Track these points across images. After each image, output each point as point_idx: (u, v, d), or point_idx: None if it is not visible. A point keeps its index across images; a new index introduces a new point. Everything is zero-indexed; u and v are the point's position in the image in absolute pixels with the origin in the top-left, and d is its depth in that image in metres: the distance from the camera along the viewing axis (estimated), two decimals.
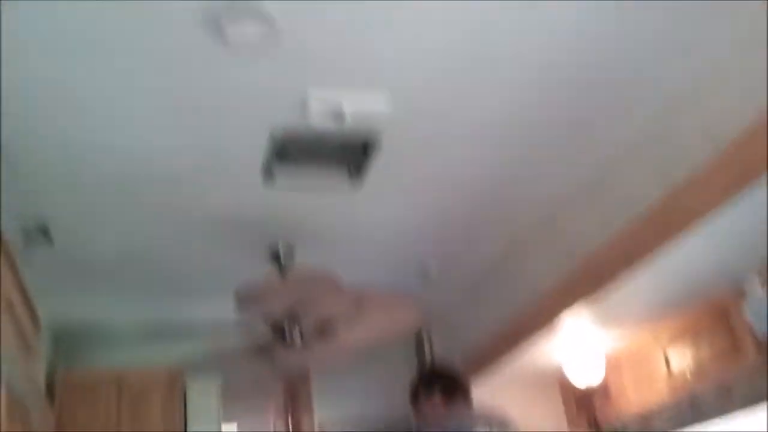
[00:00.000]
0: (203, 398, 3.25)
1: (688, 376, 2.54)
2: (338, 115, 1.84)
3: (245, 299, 2.36)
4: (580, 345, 2.86)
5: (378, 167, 2.18)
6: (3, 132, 1.76)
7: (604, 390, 2.97)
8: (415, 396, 2.03)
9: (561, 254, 2.52)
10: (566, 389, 3.22)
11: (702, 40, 1.72)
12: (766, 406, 2.18)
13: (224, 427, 3.41)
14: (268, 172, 2.18)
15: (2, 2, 1.36)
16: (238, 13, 1.45)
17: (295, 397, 4.08)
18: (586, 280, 2.35)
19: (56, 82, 1.67)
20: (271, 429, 4.54)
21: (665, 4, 1.58)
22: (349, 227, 2.64)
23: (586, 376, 2.96)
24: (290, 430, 4.18)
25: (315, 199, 2.40)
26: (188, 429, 3.17)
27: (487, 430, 1.86)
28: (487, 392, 2.61)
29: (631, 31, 1.68)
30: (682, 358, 2.58)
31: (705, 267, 2.21)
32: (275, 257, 2.66)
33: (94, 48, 1.56)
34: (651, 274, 2.16)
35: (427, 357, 3.68)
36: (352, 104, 1.81)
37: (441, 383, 2.01)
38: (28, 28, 1.47)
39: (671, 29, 1.69)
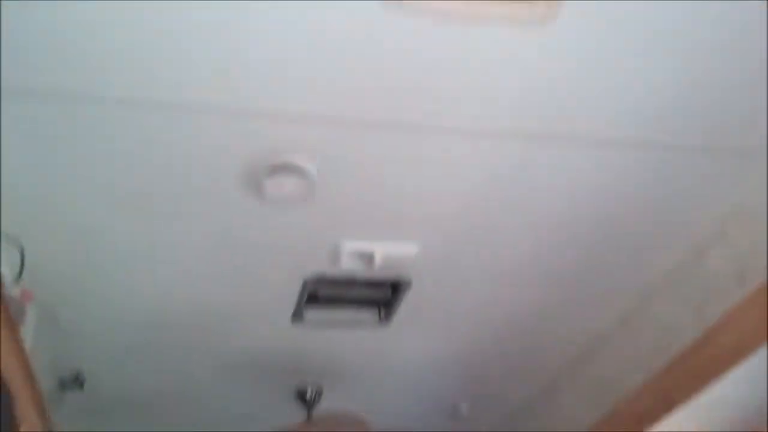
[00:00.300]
0: None
1: None
2: (369, 261, 1.89)
3: None
4: None
5: (407, 306, 2.20)
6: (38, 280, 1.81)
7: None
8: None
9: (596, 395, 2.45)
10: None
11: (732, 185, 1.77)
12: None
13: None
14: (298, 315, 2.21)
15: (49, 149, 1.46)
16: (278, 171, 1.52)
17: None
18: (624, 424, 2.28)
19: (94, 232, 1.74)
20: None
21: (693, 152, 1.64)
22: (378, 366, 2.62)
23: None
24: None
25: (344, 340, 2.41)
26: None
27: None
28: None
29: (659, 179, 1.73)
30: None
31: (748, 404, 2.13)
32: (303, 398, 2.63)
33: (133, 200, 1.64)
34: (692, 417, 2.08)
35: None
36: (383, 251, 1.86)
37: None
38: (73, 180, 1.55)
39: (700, 175, 1.73)
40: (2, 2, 1.07)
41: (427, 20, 1.19)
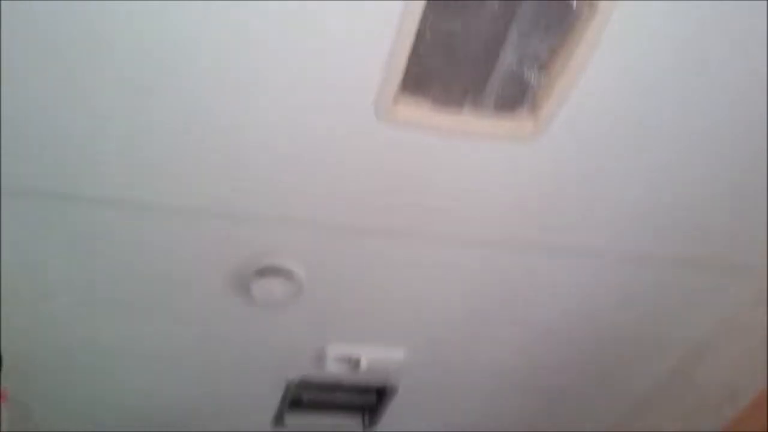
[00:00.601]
0: None
1: None
2: (355, 366, 1.85)
3: None
4: None
5: (393, 413, 2.14)
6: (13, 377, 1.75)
7: None
8: None
9: None
10: None
11: (722, 296, 1.77)
12: None
13: None
14: (279, 419, 2.14)
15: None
16: (266, 273, 1.51)
17: None
18: None
19: (74, 328, 1.70)
20: None
21: (686, 266, 1.65)
22: None
23: None
24: None
25: None
26: None
27: None
28: None
29: (653, 290, 1.73)
30: None
31: None
32: None
33: (115, 298, 1.61)
34: None
35: None
36: (370, 356, 1.82)
37: None
38: (54, 276, 1.53)
39: (693, 288, 1.73)
40: None
41: (418, 133, 1.22)
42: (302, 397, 2.07)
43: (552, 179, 1.35)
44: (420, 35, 1.06)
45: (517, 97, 1.19)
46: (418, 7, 1.00)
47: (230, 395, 2.01)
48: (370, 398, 2.13)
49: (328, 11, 1.00)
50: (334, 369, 1.88)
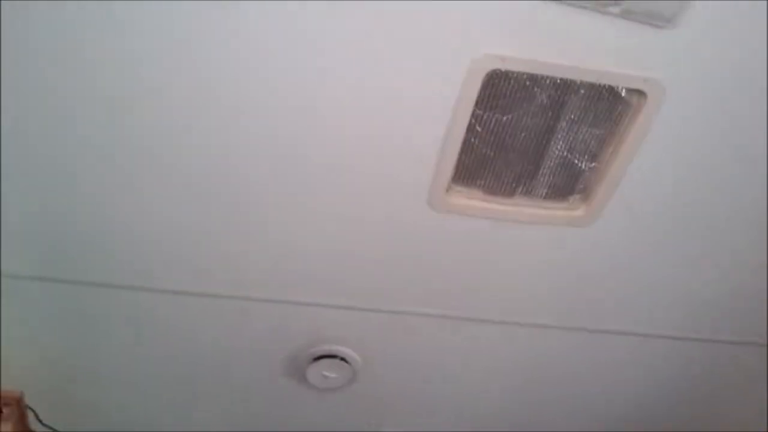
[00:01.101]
0: None
1: None
2: None
3: None
4: None
5: None
6: None
7: None
8: None
9: None
10: None
11: None
12: None
13: None
14: None
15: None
16: (322, 358, 1.53)
17: None
18: None
19: (137, 413, 1.74)
20: None
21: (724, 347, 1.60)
22: None
23: None
24: None
25: None
26: None
27: None
28: None
29: (693, 370, 1.68)
30: None
31: None
32: None
33: (175, 382, 1.64)
34: None
35: None
36: None
37: None
38: (117, 361, 1.58)
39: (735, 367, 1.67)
40: None
41: (471, 220, 1.24)
42: None
43: (604, 264, 1.34)
44: (471, 128, 1.10)
45: (568, 184, 1.21)
46: (468, 106, 1.04)
47: None
48: None
49: (385, 114, 1.05)
50: None
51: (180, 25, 0.94)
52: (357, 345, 1.52)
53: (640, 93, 1.05)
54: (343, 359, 1.54)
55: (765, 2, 0.93)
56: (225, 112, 1.05)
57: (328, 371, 1.56)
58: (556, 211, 1.24)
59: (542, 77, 1.04)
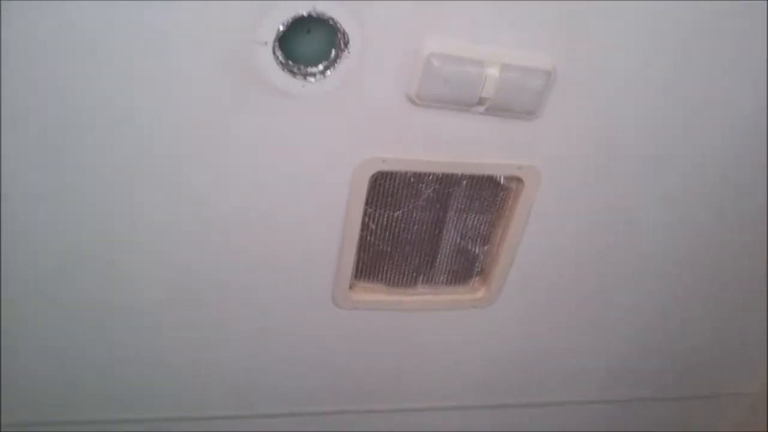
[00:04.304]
0: None
1: None
2: None
3: None
4: None
5: None
6: None
7: None
8: None
9: None
10: None
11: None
12: None
13: None
14: None
15: None
16: None
17: None
18: None
19: None
20: None
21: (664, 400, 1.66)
22: None
23: None
24: None
25: None
26: None
27: None
28: None
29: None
30: None
31: None
32: None
33: None
34: None
35: None
36: None
37: None
38: None
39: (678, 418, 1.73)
40: None
41: (378, 314, 1.26)
42: None
43: (512, 339, 1.39)
44: (365, 227, 1.14)
45: (466, 268, 1.26)
46: (359, 207, 1.08)
47: None
48: None
49: (283, 220, 1.08)
50: None
51: None
52: None
53: (518, 179, 1.13)
54: None
55: (621, 90, 1.03)
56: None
57: None
58: (458, 295, 1.28)
59: (425, 174, 1.10)
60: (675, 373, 1.60)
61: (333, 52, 0.91)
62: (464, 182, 1.13)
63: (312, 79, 0.92)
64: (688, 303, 1.42)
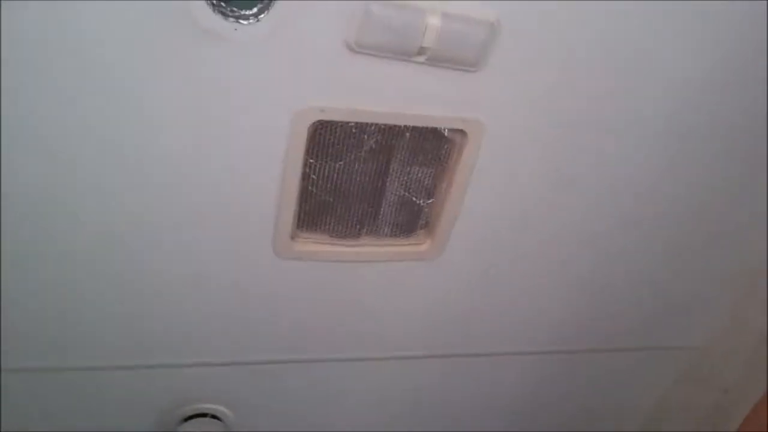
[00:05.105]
0: None
1: None
2: None
3: None
4: None
5: None
6: None
7: None
8: None
9: None
10: None
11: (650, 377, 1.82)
12: None
13: None
14: None
15: None
16: (193, 419, 1.49)
17: None
18: None
19: None
20: None
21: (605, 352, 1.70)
22: None
23: None
24: None
25: None
26: None
27: None
28: None
29: (577, 379, 1.76)
30: None
31: None
32: None
33: None
34: None
35: None
36: None
37: None
38: None
39: (617, 371, 1.78)
40: None
41: (322, 265, 1.26)
42: None
43: (457, 292, 1.40)
44: (306, 177, 1.12)
45: (410, 221, 1.26)
46: (299, 156, 1.06)
47: None
48: None
49: (217, 166, 1.05)
50: None
51: None
52: (226, 400, 1.49)
53: (462, 132, 1.11)
54: (213, 416, 1.50)
55: (567, 46, 1.02)
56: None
57: (200, 430, 1.52)
58: (403, 247, 1.28)
59: (367, 124, 1.08)
60: (618, 326, 1.63)
61: None
62: (407, 134, 1.11)
63: (245, 22, 0.89)
64: (630, 260, 1.44)
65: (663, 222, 1.38)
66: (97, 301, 1.21)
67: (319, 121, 1.03)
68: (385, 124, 1.08)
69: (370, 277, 1.31)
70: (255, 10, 0.88)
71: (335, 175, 1.14)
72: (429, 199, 1.22)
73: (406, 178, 1.18)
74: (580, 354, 1.71)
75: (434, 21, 0.91)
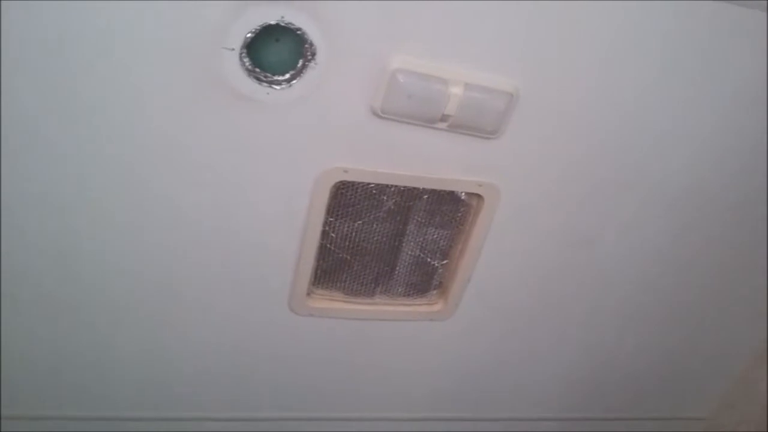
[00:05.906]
0: None
1: None
2: None
3: None
4: None
5: None
6: None
7: None
8: None
9: None
10: None
11: None
12: None
13: None
14: None
15: None
16: None
17: None
18: None
19: None
20: None
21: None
22: None
23: None
24: None
25: None
26: None
27: None
28: None
29: None
30: None
31: None
32: None
33: None
34: None
35: None
36: None
37: None
38: None
39: None
40: None
41: (335, 322, 1.27)
42: None
43: (468, 353, 1.40)
44: (325, 235, 1.15)
45: (424, 281, 1.27)
46: (320, 215, 1.09)
47: None
48: None
49: (240, 222, 1.08)
50: None
51: None
52: None
53: (478, 196, 1.14)
54: None
55: (581, 113, 1.06)
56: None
57: None
58: (416, 307, 1.29)
59: (387, 186, 1.11)
60: (628, 393, 1.63)
61: (300, 62, 0.92)
62: (425, 196, 1.15)
63: (277, 87, 0.93)
64: (643, 324, 1.45)
65: (677, 287, 1.39)
66: (116, 355, 1.22)
67: (341, 181, 1.07)
68: (404, 186, 1.11)
69: (382, 335, 1.32)
70: (288, 75, 0.93)
71: (354, 234, 1.17)
72: (443, 260, 1.25)
73: (422, 239, 1.21)
74: (589, 422, 1.70)
75: (457, 90, 0.96)
